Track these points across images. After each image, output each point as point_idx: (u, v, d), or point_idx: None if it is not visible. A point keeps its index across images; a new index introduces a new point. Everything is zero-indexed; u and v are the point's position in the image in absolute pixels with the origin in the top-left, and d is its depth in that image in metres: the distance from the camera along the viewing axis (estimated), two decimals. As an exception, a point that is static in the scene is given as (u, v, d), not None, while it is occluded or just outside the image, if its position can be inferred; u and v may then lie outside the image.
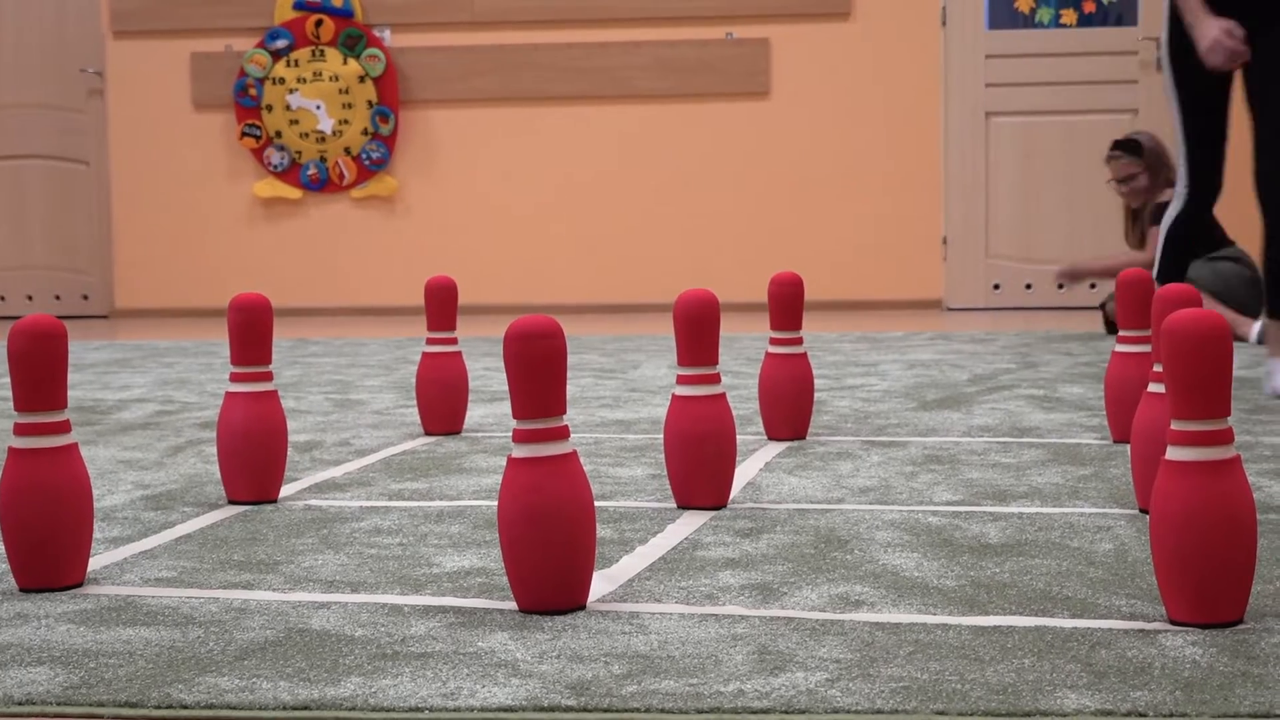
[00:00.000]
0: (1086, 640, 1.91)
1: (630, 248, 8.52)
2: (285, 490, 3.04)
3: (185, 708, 1.72)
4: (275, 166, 8.63)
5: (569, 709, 1.69)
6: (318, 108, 8.59)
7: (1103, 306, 6.43)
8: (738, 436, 3.01)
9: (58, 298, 8.94)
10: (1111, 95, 8.27)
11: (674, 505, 2.81)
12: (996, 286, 8.36)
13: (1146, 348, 3.21)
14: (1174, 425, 1.96)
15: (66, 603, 2.19)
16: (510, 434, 2.11)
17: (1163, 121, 8.21)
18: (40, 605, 2.18)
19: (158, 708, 1.72)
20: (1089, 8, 8.27)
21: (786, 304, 3.45)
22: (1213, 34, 4.24)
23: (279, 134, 8.60)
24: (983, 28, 8.32)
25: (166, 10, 8.65)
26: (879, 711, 1.66)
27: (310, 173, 8.61)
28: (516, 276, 8.56)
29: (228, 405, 2.89)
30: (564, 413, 2.09)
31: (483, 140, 8.57)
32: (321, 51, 8.57)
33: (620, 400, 4.41)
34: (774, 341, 3.49)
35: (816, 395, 4.22)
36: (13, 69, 8.88)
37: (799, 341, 3.49)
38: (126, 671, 1.85)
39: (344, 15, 8.55)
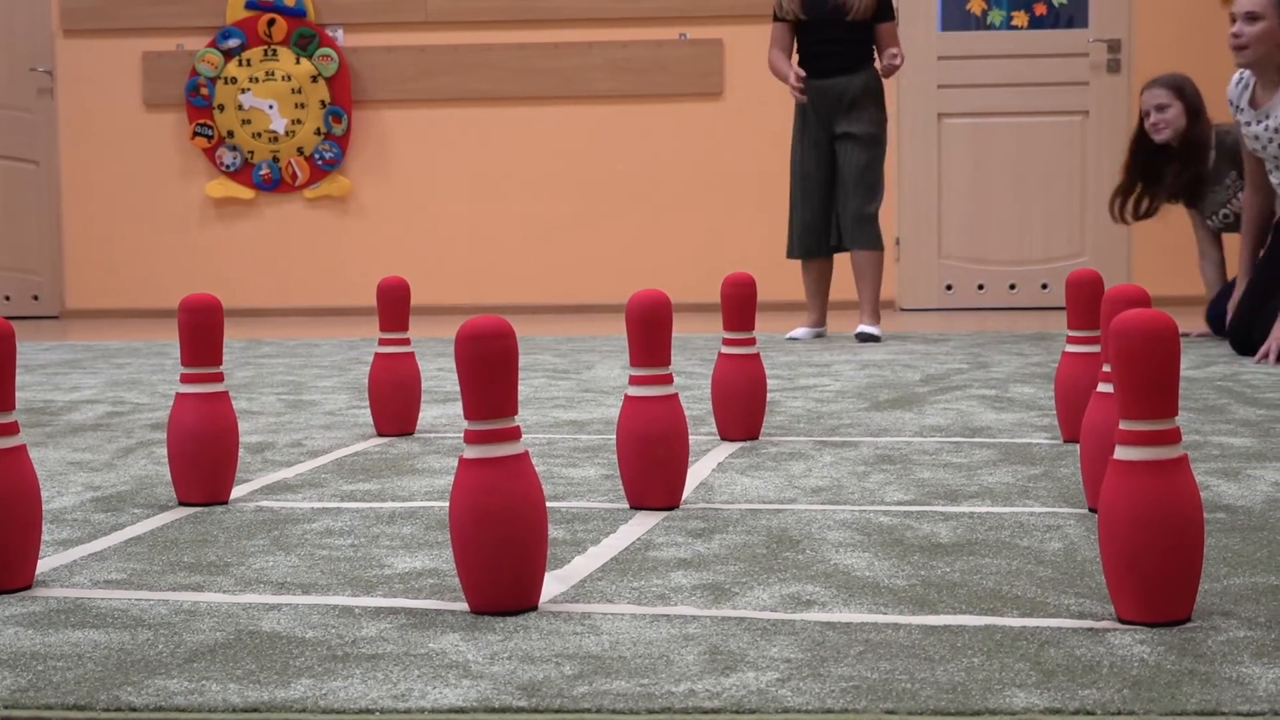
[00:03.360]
0: (1035, 639, 1.92)
1: (583, 248, 8.52)
2: (236, 491, 3.03)
3: (134, 710, 1.71)
4: (227, 166, 8.59)
5: (520, 710, 1.69)
6: (270, 107, 8.55)
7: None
8: (690, 437, 3.01)
9: (7, 298, 8.87)
10: (1062, 97, 8.32)
11: (626, 506, 2.81)
12: (949, 287, 8.40)
13: (1096, 348, 3.23)
14: (1122, 425, 1.97)
15: (14, 605, 2.17)
16: (462, 435, 2.11)
17: (1116, 125, 8.27)
18: (-12, 608, 2.16)
19: (106, 710, 1.71)
20: (1040, 10, 8.32)
21: (739, 304, 3.45)
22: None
23: (231, 134, 8.56)
24: (935, 29, 8.35)
25: (117, 9, 8.60)
26: (829, 711, 1.67)
27: (263, 173, 8.58)
28: (469, 277, 8.55)
29: (178, 406, 2.87)
30: (515, 413, 2.09)
31: (436, 140, 8.55)
32: (274, 51, 8.53)
33: (573, 401, 4.40)
34: (727, 342, 3.49)
35: (769, 395, 4.23)
36: (-39, 67, 8.81)
37: (752, 342, 3.50)
38: (75, 674, 1.84)
39: (296, 15, 8.51)
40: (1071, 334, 3.29)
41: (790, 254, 6.50)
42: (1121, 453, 1.97)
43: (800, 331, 6.43)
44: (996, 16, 8.34)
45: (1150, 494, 1.95)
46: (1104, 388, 2.63)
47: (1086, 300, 3.22)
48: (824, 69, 6.33)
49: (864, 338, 6.27)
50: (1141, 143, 6.14)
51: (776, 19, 6.43)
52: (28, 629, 2.04)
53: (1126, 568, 1.96)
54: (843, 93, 6.31)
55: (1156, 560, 1.95)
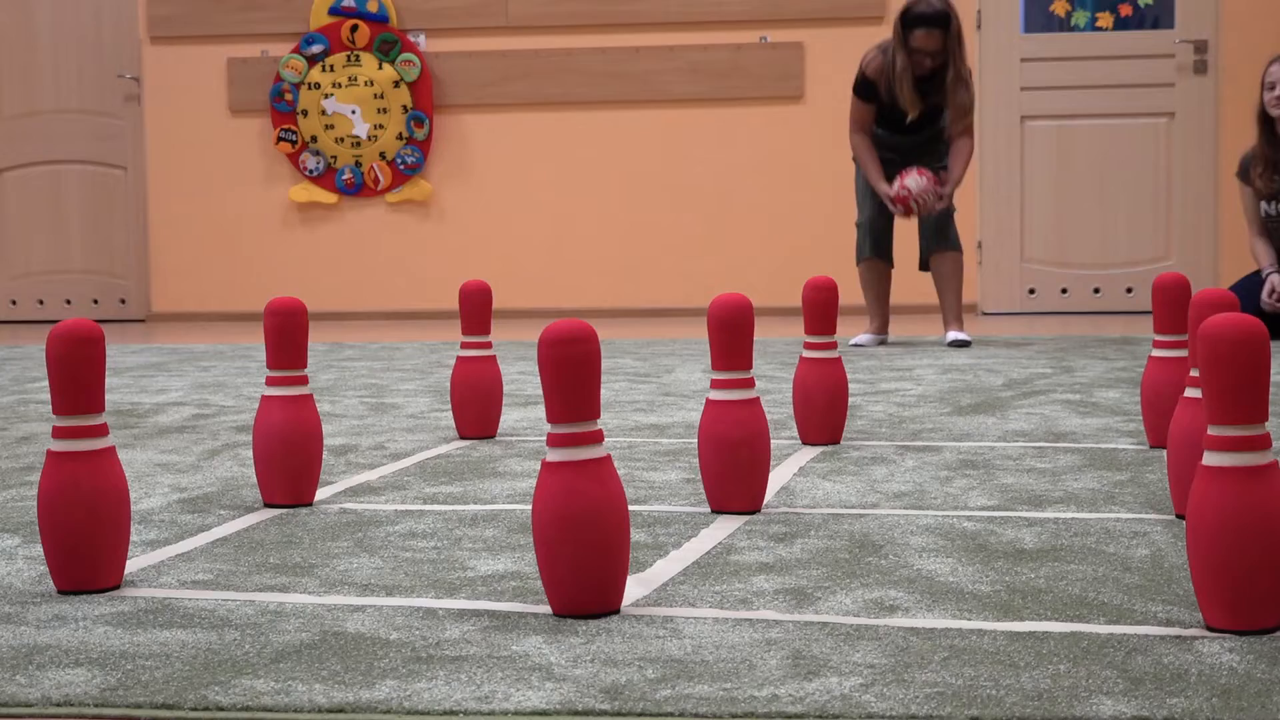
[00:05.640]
0: (1122, 646, 1.90)
1: (664, 252, 8.52)
2: (320, 493, 3.05)
3: (221, 709, 1.73)
4: (311, 171, 8.66)
5: (603, 713, 1.69)
6: (353, 112, 8.61)
7: None
8: (772, 441, 3.01)
9: (96, 302, 8.99)
10: (1148, 99, 8.24)
11: (708, 509, 2.81)
12: (1032, 291, 8.33)
13: (1183, 352, 3.20)
14: (1211, 430, 1.95)
15: (104, 605, 2.20)
16: (544, 438, 2.11)
17: (1203, 126, 8.18)
18: (78, 607, 2.19)
19: (194, 709, 1.73)
20: (1125, 11, 8.24)
21: (821, 308, 3.44)
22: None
23: (314, 139, 8.63)
24: (1018, 31, 8.29)
25: (203, 16, 8.70)
26: (913, 717, 1.66)
27: (345, 177, 8.64)
28: (551, 280, 8.57)
29: (264, 409, 2.90)
30: (598, 417, 2.09)
31: (517, 145, 8.59)
32: (357, 56, 8.60)
33: (654, 404, 4.41)
34: (808, 346, 3.48)
35: (851, 400, 4.21)
36: (51, 75, 8.94)
37: (833, 346, 3.49)
38: (163, 673, 1.86)
39: (379, 20, 8.57)
40: (1158, 338, 3.26)
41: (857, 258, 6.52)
42: (1210, 458, 1.95)
43: (864, 338, 6.39)
44: (1081, 18, 8.26)
45: (1240, 500, 1.92)
46: (1191, 393, 2.60)
47: (1173, 304, 3.19)
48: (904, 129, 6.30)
49: (957, 344, 6.18)
50: (1264, 115, 6.25)
51: (862, 98, 6.25)
52: (116, 628, 2.07)
53: (1215, 575, 1.94)
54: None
55: (1246, 567, 1.92)
